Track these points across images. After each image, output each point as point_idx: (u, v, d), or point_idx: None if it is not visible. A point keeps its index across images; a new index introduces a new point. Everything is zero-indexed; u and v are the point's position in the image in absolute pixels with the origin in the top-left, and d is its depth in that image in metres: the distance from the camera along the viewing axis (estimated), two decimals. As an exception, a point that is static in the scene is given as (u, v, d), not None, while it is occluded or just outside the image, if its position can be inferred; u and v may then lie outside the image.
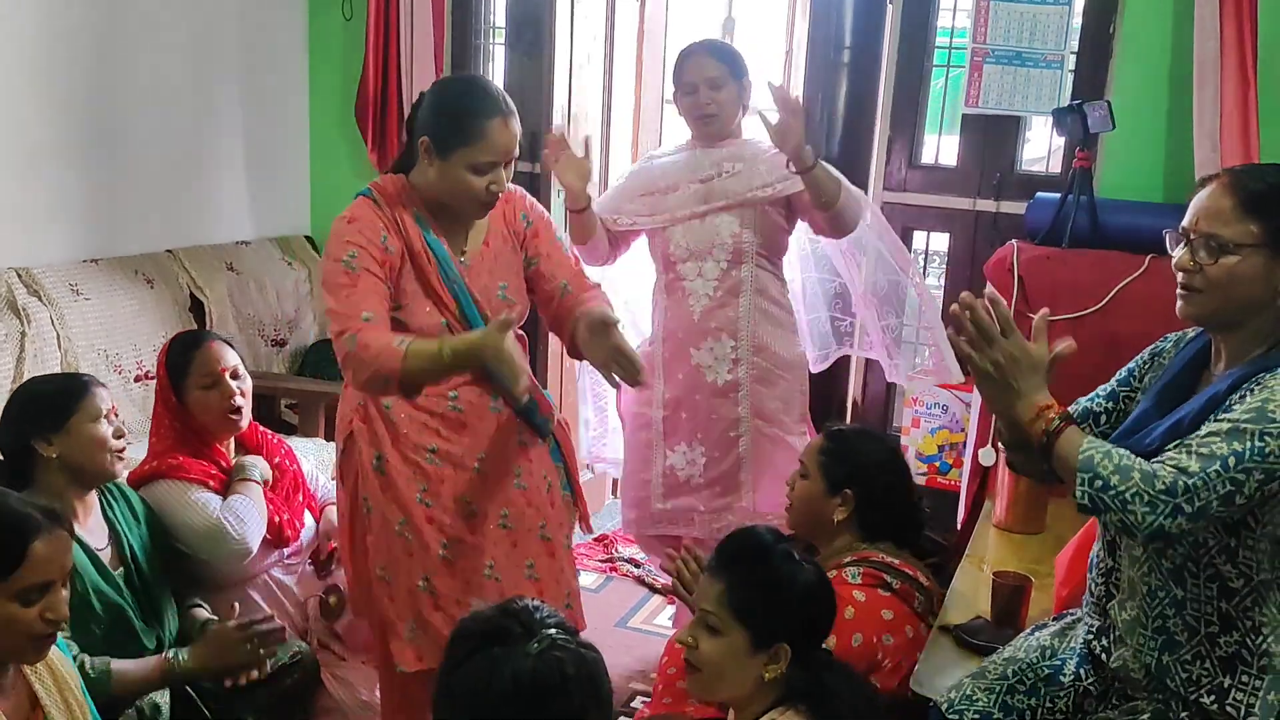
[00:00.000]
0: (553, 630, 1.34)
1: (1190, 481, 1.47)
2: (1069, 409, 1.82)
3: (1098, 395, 1.86)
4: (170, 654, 2.11)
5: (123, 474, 2.23)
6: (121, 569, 2.20)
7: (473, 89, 2.15)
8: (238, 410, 2.42)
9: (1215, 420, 1.53)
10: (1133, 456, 1.51)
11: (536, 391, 2.32)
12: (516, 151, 2.15)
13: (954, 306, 1.60)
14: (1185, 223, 1.62)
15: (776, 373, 2.88)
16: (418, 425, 2.21)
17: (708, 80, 2.78)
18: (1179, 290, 1.63)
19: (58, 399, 2.14)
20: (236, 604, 2.27)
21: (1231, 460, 1.47)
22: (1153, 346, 1.83)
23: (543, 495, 2.34)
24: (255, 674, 2.18)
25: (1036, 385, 1.59)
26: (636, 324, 3.16)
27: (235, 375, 2.42)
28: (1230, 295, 1.58)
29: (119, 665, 2.03)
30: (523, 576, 2.29)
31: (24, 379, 2.90)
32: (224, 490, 2.41)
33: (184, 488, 2.36)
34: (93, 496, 2.21)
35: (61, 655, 1.77)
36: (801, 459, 2.33)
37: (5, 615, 1.59)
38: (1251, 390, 1.53)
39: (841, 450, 2.26)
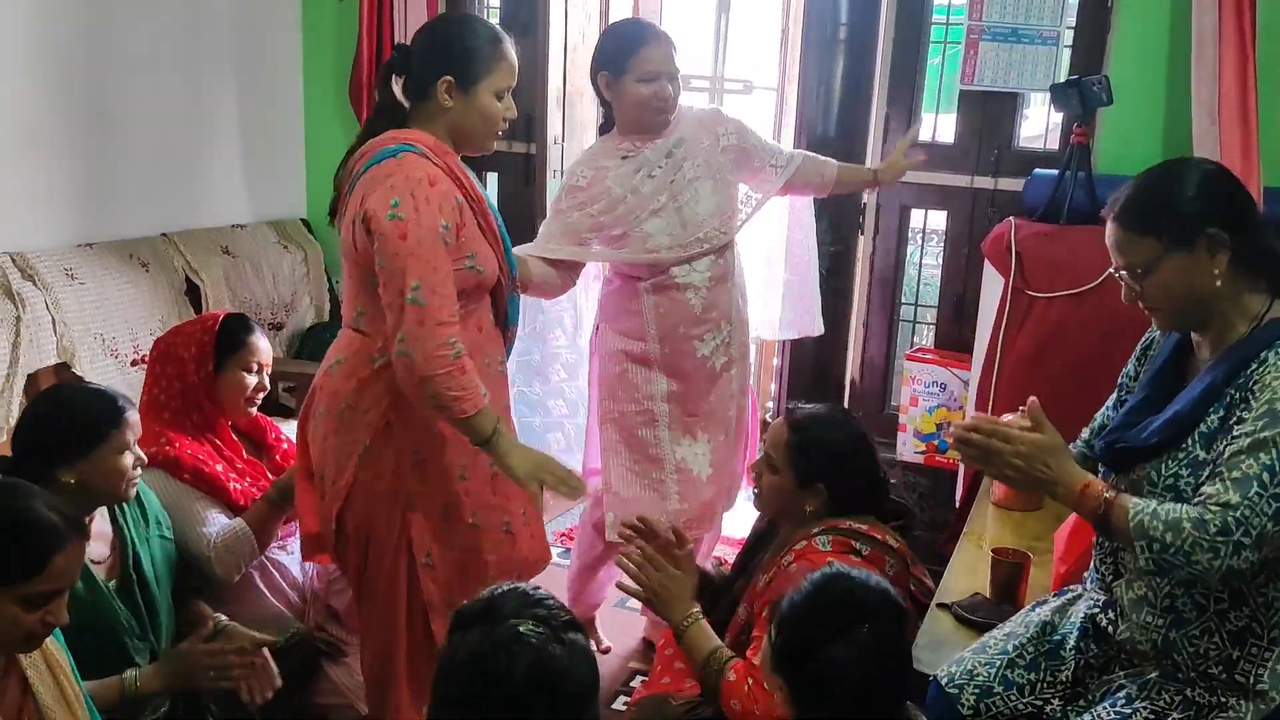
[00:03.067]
0: (528, 622, 1.32)
1: (1237, 515, 1.47)
2: (1083, 432, 1.91)
3: (1106, 408, 1.89)
4: (128, 675, 2.04)
5: (135, 495, 2.16)
6: (117, 580, 2.15)
7: (474, 21, 2.22)
8: (258, 401, 2.53)
9: (1233, 439, 1.54)
10: (1177, 507, 1.53)
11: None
12: None
13: (954, 433, 1.67)
14: (1112, 265, 1.70)
15: (747, 344, 2.95)
16: None
17: (669, 74, 2.66)
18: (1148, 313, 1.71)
19: (89, 429, 2.04)
20: (212, 622, 2.18)
21: (1266, 476, 1.48)
22: (1143, 340, 1.87)
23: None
24: (270, 692, 2.14)
25: (1065, 468, 1.63)
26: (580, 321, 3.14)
27: (269, 372, 2.54)
28: (1177, 299, 1.64)
29: (88, 687, 1.95)
30: (521, 523, 2.33)
31: (19, 364, 2.90)
32: (223, 482, 2.41)
33: (186, 496, 2.37)
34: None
35: (52, 638, 1.76)
36: (769, 450, 2.24)
37: (8, 615, 1.59)
38: (1252, 391, 1.55)
39: (810, 444, 2.17)
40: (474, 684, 1.29)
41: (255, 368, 2.48)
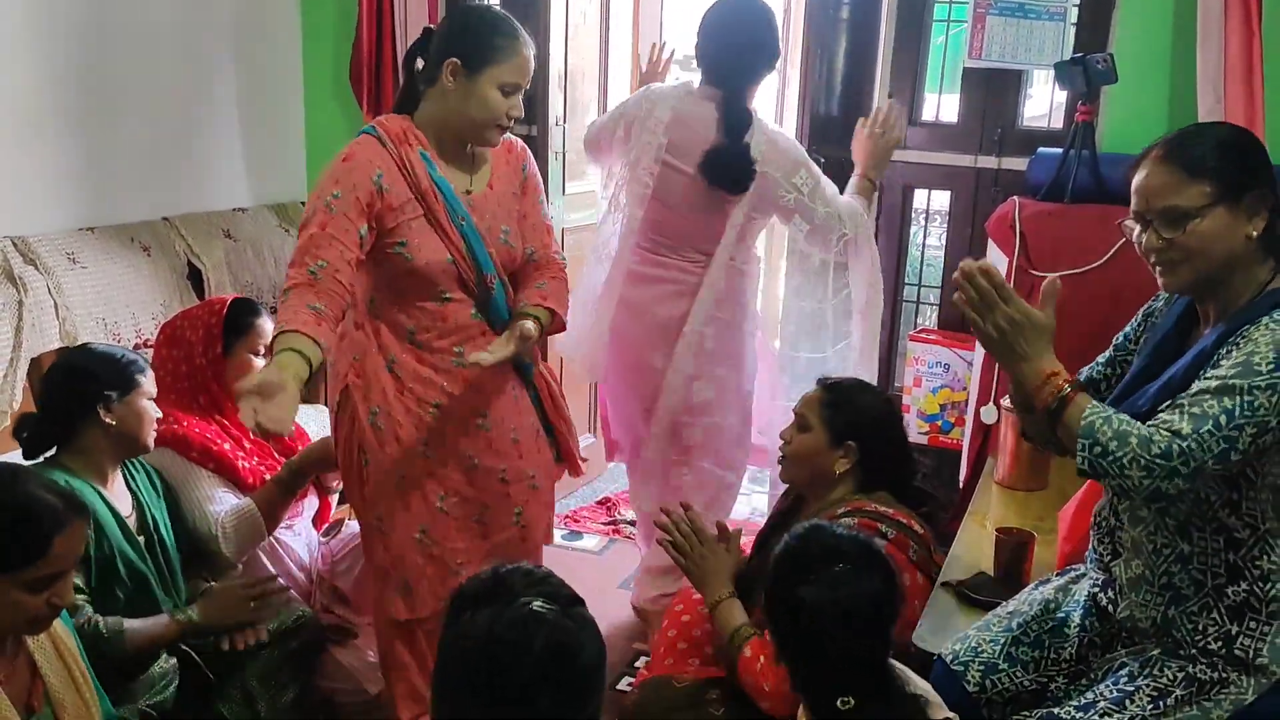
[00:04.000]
0: (534, 600, 1.31)
1: (1184, 444, 1.47)
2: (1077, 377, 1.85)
3: (1098, 363, 1.88)
4: (187, 610, 2.16)
5: (152, 448, 2.26)
6: (144, 537, 2.22)
7: (498, 14, 2.25)
8: None
9: (1204, 378, 1.53)
10: (1131, 421, 1.52)
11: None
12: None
13: (955, 274, 1.61)
14: (1136, 207, 1.64)
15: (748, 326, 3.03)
16: (423, 380, 2.27)
17: None
18: (1156, 268, 1.65)
19: (125, 370, 2.18)
20: (240, 564, 2.30)
21: (1223, 419, 1.48)
22: (1145, 306, 1.85)
23: (532, 443, 2.41)
24: (253, 638, 2.21)
25: (1042, 350, 1.59)
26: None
27: None
28: (1210, 256, 1.60)
29: (131, 624, 2.07)
30: (510, 523, 2.39)
31: (23, 348, 2.90)
32: (231, 460, 2.42)
33: (194, 473, 2.39)
34: (118, 464, 2.24)
35: (59, 621, 1.77)
36: (800, 411, 2.28)
37: (12, 600, 1.61)
38: (1237, 345, 1.54)
39: (842, 402, 2.24)
40: (490, 663, 1.28)
41: (262, 350, 2.49)
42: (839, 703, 1.49)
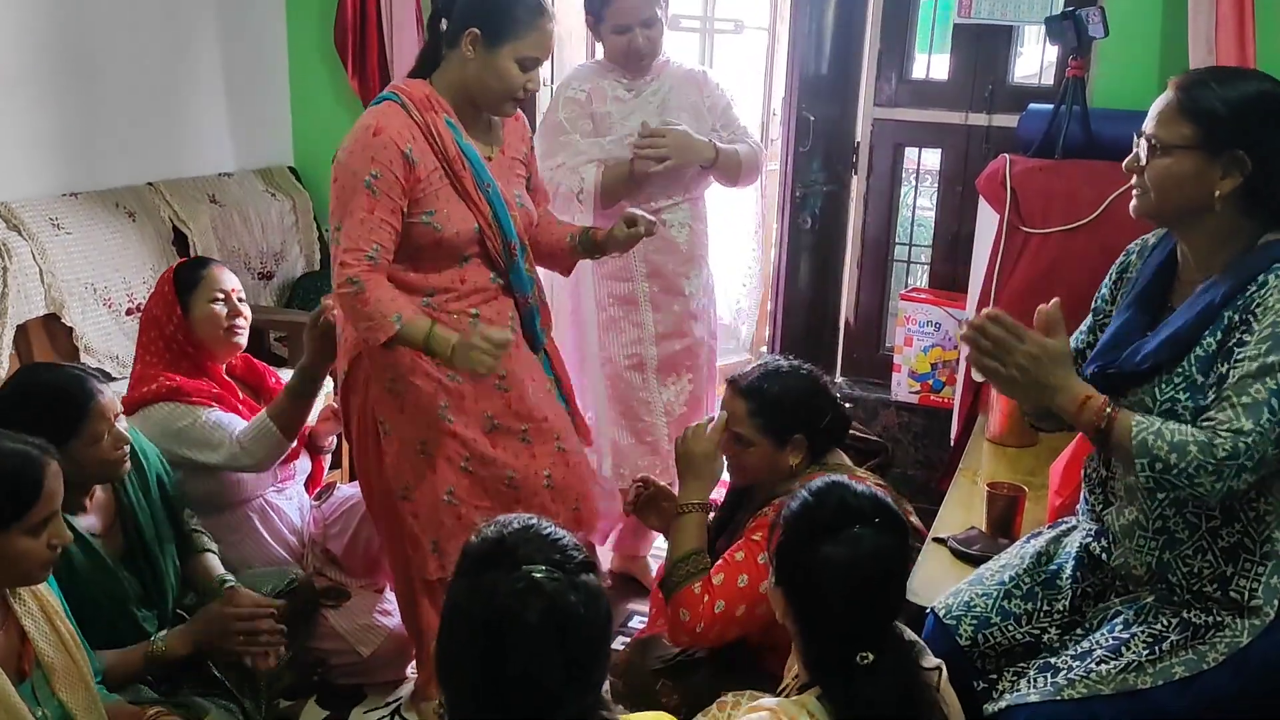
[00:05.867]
0: (541, 566, 1.28)
1: (1249, 440, 1.48)
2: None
3: (1081, 332, 1.87)
4: (155, 640, 2.05)
5: (126, 472, 2.10)
6: (124, 544, 2.14)
7: None
8: (240, 330, 2.50)
9: (1235, 361, 1.53)
10: (1183, 429, 1.52)
11: (540, 297, 2.39)
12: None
13: (963, 332, 1.63)
14: (1144, 123, 1.66)
15: (714, 286, 3.03)
16: None
17: (643, 21, 2.74)
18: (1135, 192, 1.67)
19: (55, 421, 1.92)
20: (238, 587, 2.19)
21: (1275, 402, 1.49)
22: (1118, 262, 1.84)
23: (551, 406, 2.40)
24: (273, 661, 2.15)
25: (1067, 376, 1.60)
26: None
27: (240, 300, 2.52)
28: (1165, 194, 1.62)
29: (109, 658, 1.98)
30: (541, 486, 2.37)
31: (8, 315, 2.88)
32: (229, 401, 2.46)
33: (196, 410, 2.38)
34: None
35: (45, 585, 1.78)
36: (733, 429, 2.13)
37: (20, 549, 1.65)
38: (1252, 313, 1.54)
39: (770, 404, 2.11)
40: (485, 633, 1.26)
41: (220, 296, 2.47)
42: (859, 658, 1.49)
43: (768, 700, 1.54)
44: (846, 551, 1.52)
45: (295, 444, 2.51)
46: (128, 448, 2.07)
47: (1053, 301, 1.64)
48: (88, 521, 2.08)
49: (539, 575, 1.27)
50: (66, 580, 1.93)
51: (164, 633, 2.07)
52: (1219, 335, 1.57)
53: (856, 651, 1.49)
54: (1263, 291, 1.54)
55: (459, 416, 2.27)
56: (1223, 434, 1.49)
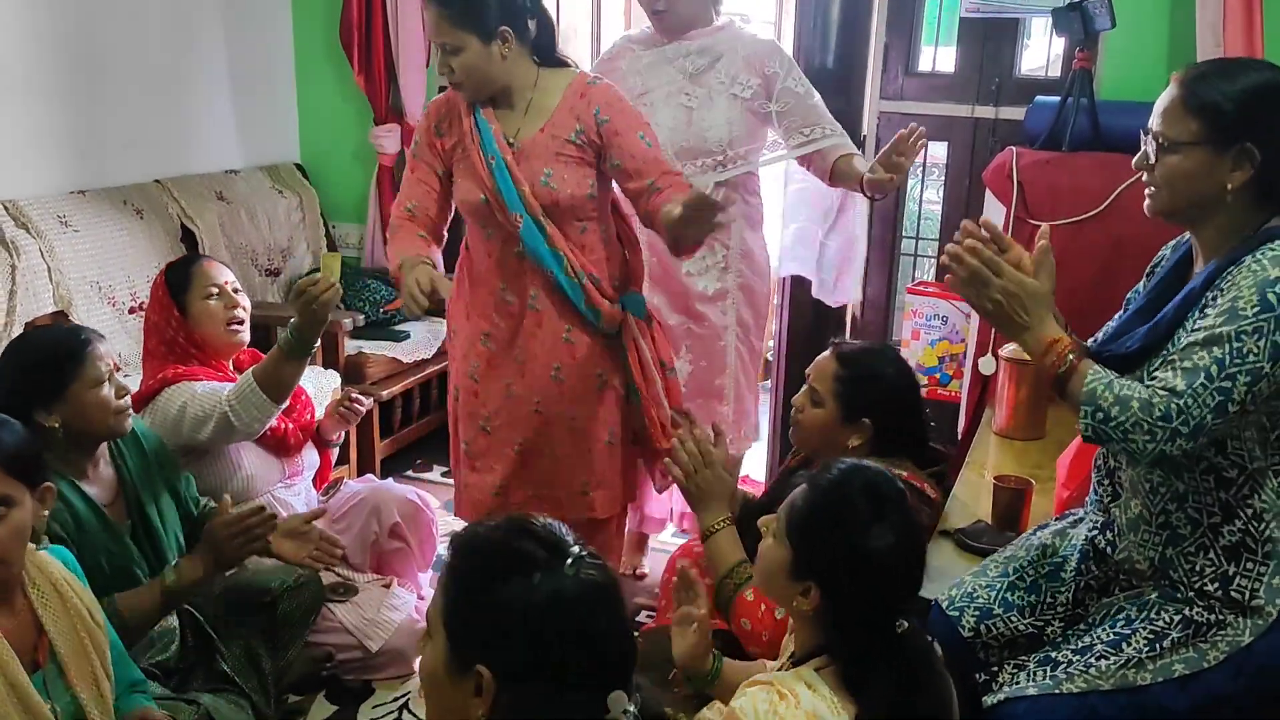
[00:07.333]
0: (576, 548, 1.27)
1: (1181, 402, 1.47)
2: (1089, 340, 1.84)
3: (1108, 327, 1.84)
4: (165, 574, 2.07)
5: (130, 428, 2.16)
6: (129, 521, 2.17)
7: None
8: (240, 322, 2.50)
9: (1192, 330, 1.53)
10: (1133, 385, 1.52)
11: (589, 279, 2.40)
12: None
13: (949, 248, 1.61)
14: (1150, 121, 1.64)
15: (756, 281, 2.92)
16: (480, 308, 2.48)
17: None
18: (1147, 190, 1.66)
19: (53, 368, 2.03)
20: (227, 496, 2.23)
21: (1214, 369, 1.48)
22: (1153, 260, 1.84)
23: (583, 387, 2.46)
24: (328, 559, 2.27)
25: (1041, 318, 1.60)
26: None
27: (235, 290, 2.52)
28: (1176, 191, 1.61)
29: (122, 598, 2.01)
30: (543, 456, 2.51)
31: (16, 312, 2.89)
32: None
33: (188, 387, 2.38)
34: (101, 446, 2.16)
35: (74, 579, 1.77)
36: (813, 384, 2.16)
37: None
38: (1222, 290, 1.53)
39: (858, 377, 2.12)
40: (581, 617, 1.23)
41: (214, 291, 2.47)
42: (896, 627, 1.50)
43: (764, 674, 1.54)
44: (891, 539, 1.51)
45: (297, 429, 2.57)
46: (129, 399, 2.13)
47: (1041, 243, 1.63)
48: (94, 491, 2.11)
49: (582, 554, 1.27)
50: (77, 542, 1.98)
51: (172, 563, 2.10)
52: (1197, 315, 1.56)
53: (890, 623, 1.50)
54: (1237, 269, 1.53)
55: (482, 380, 2.52)
56: (1160, 393, 1.49)
